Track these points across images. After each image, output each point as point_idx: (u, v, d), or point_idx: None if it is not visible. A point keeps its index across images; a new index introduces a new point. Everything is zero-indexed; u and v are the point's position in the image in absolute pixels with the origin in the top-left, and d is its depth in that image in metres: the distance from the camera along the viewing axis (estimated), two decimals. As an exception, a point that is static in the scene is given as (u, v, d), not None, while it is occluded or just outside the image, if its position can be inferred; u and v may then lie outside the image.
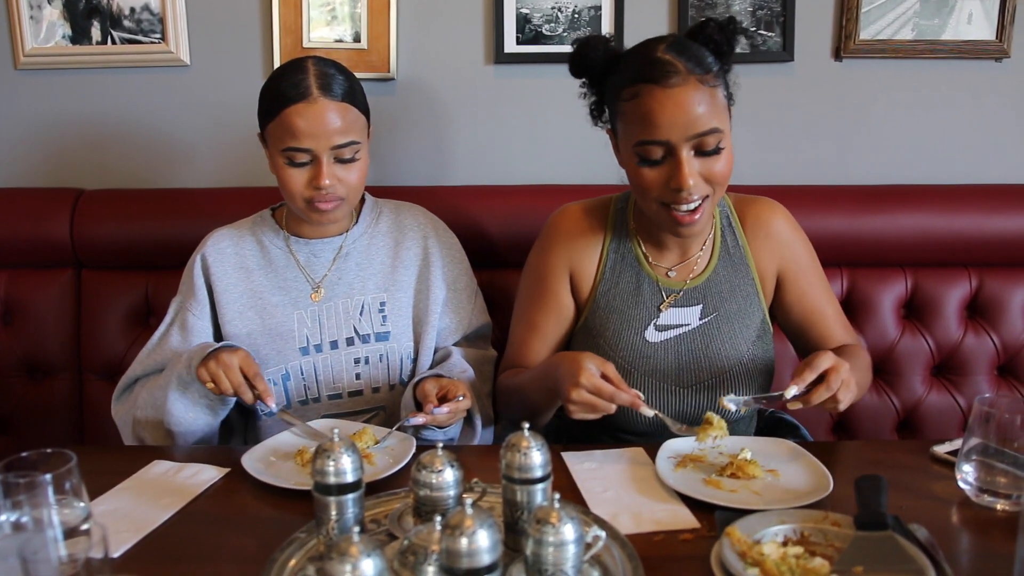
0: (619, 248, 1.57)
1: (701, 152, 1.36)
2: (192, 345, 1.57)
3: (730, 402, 1.31)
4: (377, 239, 1.68)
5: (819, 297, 1.59)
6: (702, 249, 1.55)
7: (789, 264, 1.57)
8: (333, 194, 1.52)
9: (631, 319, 1.53)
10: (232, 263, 1.63)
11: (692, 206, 1.38)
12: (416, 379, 1.53)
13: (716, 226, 1.57)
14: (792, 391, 1.25)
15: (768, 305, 1.58)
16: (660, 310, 1.53)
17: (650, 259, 1.56)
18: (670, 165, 1.36)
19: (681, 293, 1.53)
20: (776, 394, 1.30)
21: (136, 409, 1.53)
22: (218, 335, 1.62)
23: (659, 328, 1.52)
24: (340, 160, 1.52)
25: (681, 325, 1.52)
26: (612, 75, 1.43)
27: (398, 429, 1.42)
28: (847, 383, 1.25)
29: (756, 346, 1.52)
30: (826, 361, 1.25)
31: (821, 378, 1.25)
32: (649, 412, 1.29)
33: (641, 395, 1.28)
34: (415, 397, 1.49)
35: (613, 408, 1.29)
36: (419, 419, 1.37)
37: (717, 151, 1.36)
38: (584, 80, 1.51)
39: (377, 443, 1.38)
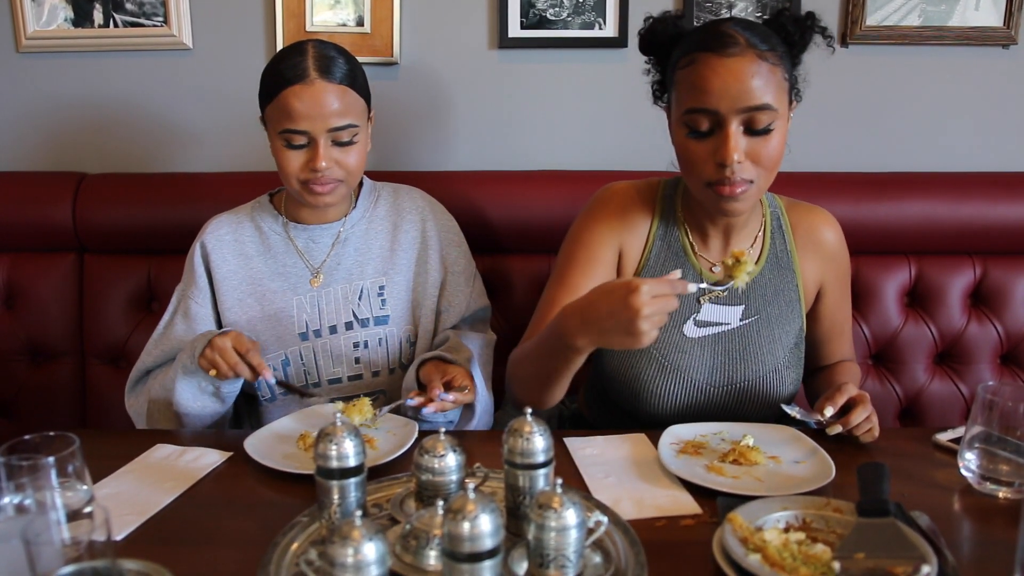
0: (666, 235, 1.52)
1: (751, 130, 1.31)
2: (197, 332, 1.58)
3: (790, 409, 1.33)
4: (375, 223, 1.68)
5: (845, 314, 1.62)
6: (751, 248, 1.51)
7: (831, 278, 1.56)
8: (330, 176, 1.52)
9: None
10: (231, 250, 1.63)
11: (737, 189, 1.33)
12: (419, 360, 1.53)
13: (766, 227, 1.53)
14: (830, 410, 1.28)
15: (806, 312, 1.55)
16: (700, 303, 1.48)
17: (696, 250, 1.51)
18: (717, 138, 1.31)
19: (726, 291, 1.49)
20: (822, 419, 1.30)
21: (148, 400, 1.55)
22: (220, 322, 1.63)
23: (699, 324, 1.48)
24: (338, 143, 1.52)
25: (721, 323, 1.48)
26: (676, 48, 1.40)
27: (397, 408, 1.44)
28: (874, 411, 1.30)
29: (792, 353, 1.50)
30: (851, 388, 1.30)
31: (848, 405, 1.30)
32: (694, 287, 1.19)
33: (677, 274, 1.19)
34: (418, 379, 1.49)
35: (676, 303, 1.17)
36: (430, 408, 1.38)
37: (767, 131, 1.31)
38: (650, 58, 1.47)
39: (374, 416, 1.40)
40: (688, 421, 1.42)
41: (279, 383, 1.55)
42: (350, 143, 1.53)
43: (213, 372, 1.42)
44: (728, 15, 2.03)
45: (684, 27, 1.42)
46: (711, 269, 1.50)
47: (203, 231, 1.66)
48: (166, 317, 1.63)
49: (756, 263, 1.51)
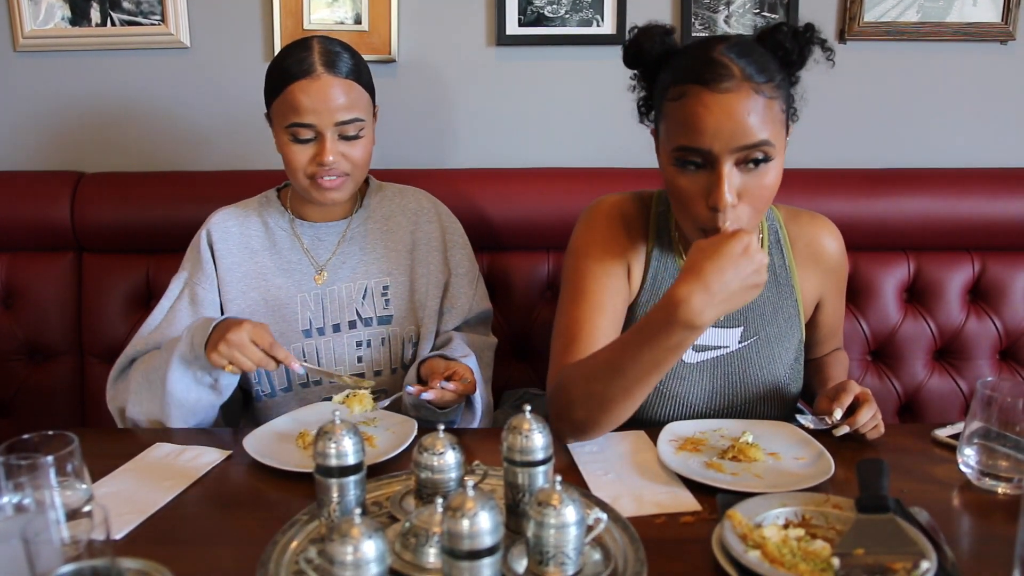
0: (662, 257, 1.45)
1: (746, 164, 1.22)
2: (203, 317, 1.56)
3: (804, 420, 1.31)
4: (381, 223, 1.68)
5: (841, 313, 1.61)
6: None
7: (830, 289, 1.53)
8: (337, 169, 1.52)
9: None
10: (237, 242, 1.64)
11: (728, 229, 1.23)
12: (420, 359, 1.54)
13: (763, 244, 1.48)
14: (838, 413, 1.27)
15: (804, 323, 1.51)
16: None
17: None
18: (710, 177, 1.22)
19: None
20: (830, 423, 1.29)
21: (129, 393, 1.50)
22: (222, 310, 1.62)
23: (697, 348, 1.43)
24: (344, 137, 1.53)
25: (719, 347, 1.44)
26: (664, 71, 1.30)
27: (396, 400, 1.44)
28: (878, 410, 1.29)
29: (793, 369, 1.48)
30: (854, 385, 1.30)
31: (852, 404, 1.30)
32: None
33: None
34: (419, 374, 1.50)
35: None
36: (429, 395, 1.37)
37: (764, 161, 1.22)
38: (636, 72, 1.38)
39: (374, 406, 1.40)
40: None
41: (309, 370, 1.48)
42: (356, 137, 1.54)
43: (230, 367, 1.37)
44: (725, 12, 2.03)
45: (672, 44, 1.32)
46: None
47: (209, 220, 1.66)
48: (166, 303, 1.60)
49: None
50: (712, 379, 1.45)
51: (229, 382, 1.49)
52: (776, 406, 1.47)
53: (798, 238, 1.50)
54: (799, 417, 1.32)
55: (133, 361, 1.57)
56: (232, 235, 1.64)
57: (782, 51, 1.27)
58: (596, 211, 1.47)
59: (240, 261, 1.63)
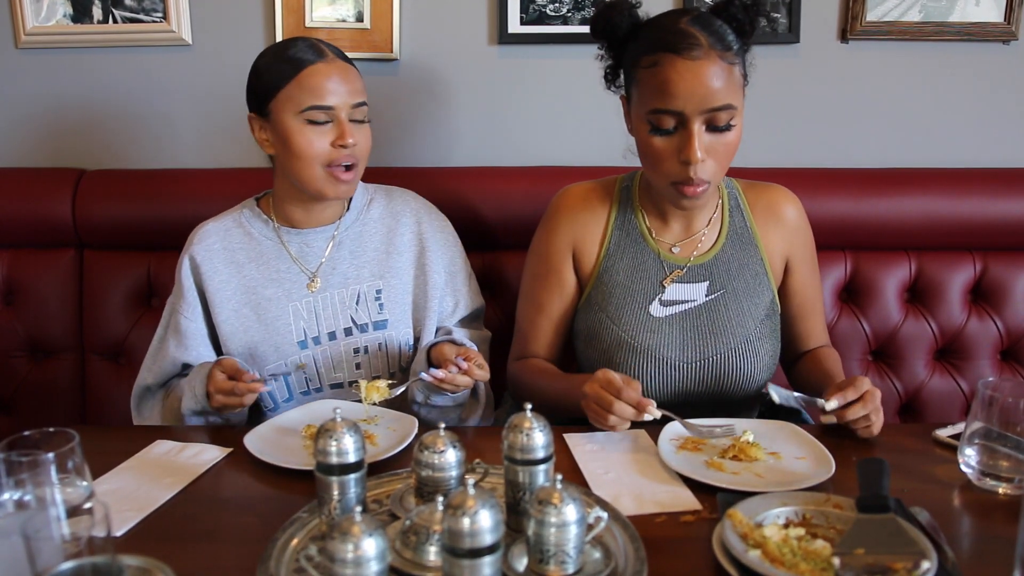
0: (624, 224, 1.58)
1: (712, 127, 1.37)
2: (188, 349, 1.57)
3: (773, 391, 1.31)
4: (369, 226, 1.66)
5: (815, 291, 1.64)
6: (707, 227, 1.56)
7: (796, 252, 1.60)
8: (355, 154, 1.52)
9: (635, 293, 1.53)
10: (222, 259, 1.60)
11: (699, 188, 1.40)
12: (429, 344, 1.54)
13: (724, 206, 1.58)
14: (833, 403, 1.27)
15: (776, 287, 1.58)
16: (664, 286, 1.53)
17: (654, 233, 1.56)
18: (680, 137, 1.37)
19: (685, 270, 1.53)
20: (814, 398, 1.29)
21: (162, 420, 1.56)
22: (213, 335, 1.60)
23: (664, 303, 1.52)
24: (354, 120, 1.53)
25: (687, 301, 1.52)
26: (633, 41, 1.44)
27: (413, 383, 1.47)
28: (879, 409, 1.29)
29: (764, 325, 1.53)
30: (865, 384, 1.28)
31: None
32: (657, 414, 1.27)
33: (653, 403, 1.27)
34: (430, 360, 1.50)
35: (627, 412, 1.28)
36: (441, 373, 1.39)
37: (728, 127, 1.38)
38: (603, 43, 1.51)
39: (389, 393, 1.41)
40: (669, 401, 1.43)
41: (273, 375, 1.52)
42: (363, 122, 1.55)
43: (228, 406, 1.41)
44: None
45: (639, 17, 1.46)
46: (671, 250, 1.55)
47: (189, 243, 1.62)
48: (160, 332, 1.61)
49: (716, 240, 1.56)
50: (682, 331, 1.51)
51: (239, 420, 1.51)
52: (750, 361, 1.50)
53: (756, 202, 1.60)
54: (770, 386, 1.32)
55: (147, 390, 1.60)
56: (215, 252, 1.60)
57: (736, 22, 1.41)
58: (549, 206, 1.64)
59: (228, 278, 1.59)
